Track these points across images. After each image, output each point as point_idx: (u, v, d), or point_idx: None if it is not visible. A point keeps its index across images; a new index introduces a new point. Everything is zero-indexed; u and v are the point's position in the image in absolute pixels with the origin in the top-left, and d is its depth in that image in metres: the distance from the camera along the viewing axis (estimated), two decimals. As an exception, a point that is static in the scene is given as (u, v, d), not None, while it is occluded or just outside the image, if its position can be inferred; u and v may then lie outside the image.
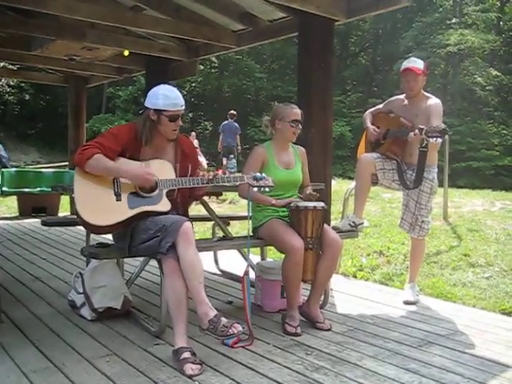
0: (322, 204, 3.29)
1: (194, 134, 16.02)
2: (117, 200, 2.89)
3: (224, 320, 2.61)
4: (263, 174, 3.07)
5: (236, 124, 14.53)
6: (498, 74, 25.87)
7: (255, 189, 3.05)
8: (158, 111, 2.94)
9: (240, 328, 2.62)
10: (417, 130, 3.43)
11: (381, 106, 4.19)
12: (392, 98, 4.13)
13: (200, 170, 3.23)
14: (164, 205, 2.95)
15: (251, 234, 3.51)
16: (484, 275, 4.48)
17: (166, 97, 2.93)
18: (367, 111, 4.20)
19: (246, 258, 4.23)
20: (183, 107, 2.99)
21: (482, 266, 4.66)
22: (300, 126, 3.46)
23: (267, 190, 3.07)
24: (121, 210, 2.88)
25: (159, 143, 3.06)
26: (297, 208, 3.25)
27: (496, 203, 7.07)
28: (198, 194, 3.30)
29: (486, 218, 6.13)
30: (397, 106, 3.99)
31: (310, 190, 3.55)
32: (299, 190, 3.60)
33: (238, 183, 3.13)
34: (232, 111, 14.78)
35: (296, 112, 3.46)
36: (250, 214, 3.33)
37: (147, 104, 2.98)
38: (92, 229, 2.97)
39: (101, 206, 2.87)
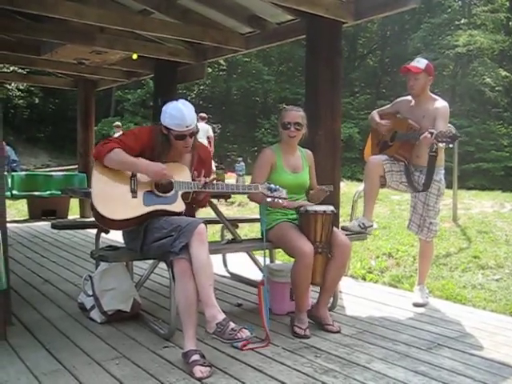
0: (331, 208, 3.28)
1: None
2: (132, 197, 2.93)
3: (232, 324, 2.61)
4: (278, 186, 3.07)
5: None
6: (508, 74, 25.69)
7: (269, 199, 3.05)
8: (167, 128, 2.98)
9: (248, 333, 2.62)
10: (427, 133, 3.42)
11: (388, 106, 4.19)
12: (399, 98, 4.13)
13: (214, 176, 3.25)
14: (178, 206, 2.98)
15: (260, 236, 3.52)
16: (494, 277, 4.45)
17: (171, 116, 2.95)
18: (374, 111, 4.20)
19: (256, 262, 4.24)
20: (190, 127, 2.97)
21: (491, 268, 4.64)
22: (293, 128, 3.43)
23: (280, 201, 3.07)
24: (136, 207, 2.92)
25: (176, 151, 3.08)
26: (306, 212, 3.24)
27: (506, 204, 7.01)
28: (200, 200, 3.22)
29: (496, 220, 6.09)
30: (404, 107, 3.99)
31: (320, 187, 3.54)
32: (307, 192, 3.60)
33: (252, 192, 3.15)
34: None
35: (290, 114, 3.46)
36: (265, 222, 3.33)
37: (160, 118, 3.02)
38: (105, 222, 2.98)
39: (116, 200, 2.91)
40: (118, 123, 14.97)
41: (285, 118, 3.45)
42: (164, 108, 3.01)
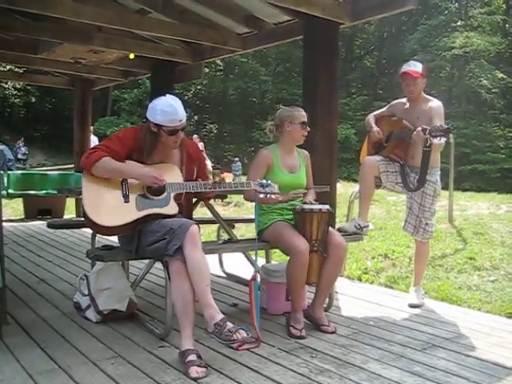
0: (327, 207, 3.29)
1: (195, 136, 15.96)
2: (125, 202, 2.91)
3: (230, 325, 2.61)
4: (269, 181, 3.08)
5: None
6: (504, 76, 25.81)
7: (261, 195, 3.06)
8: (158, 125, 2.95)
9: (244, 334, 2.62)
10: (420, 128, 3.44)
11: (383, 109, 4.21)
12: (394, 101, 4.15)
13: (208, 174, 3.25)
14: (172, 208, 2.97)
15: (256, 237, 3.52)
16: (489, 278, 4.46)
17: (163, 112, 2.92)
18: (370, 114, 4.22)
19: (252, 262, 4.23)
20: (182, 121, 2.97)
21: (487, 270, 4.65)
22: (307, 127, 3.48)
23: (273, 196, 3.08)
24: (129, 212, 2.90)
25: (164, 148, 3.07)
26: (302, 210, 3.26)
27: (502, 206, 7.02)
28: (206, 197, 3.33)
29: (492, 221, 6.10)
30: (399, 109, 4.00)
31: (310, 197, 3.54)
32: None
33: (244, 189, 3.16)
34: None
35: (303, 114, 3.50)
36: (258, 219, 3.34)
37: (148, 116, 2.99)
38: (100, 230, 2.98)
39: (109, 207, 2.89)
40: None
41: (301, 118, 3.46)
42: (152, 105, 2.98)
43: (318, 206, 3.27)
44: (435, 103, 3.79)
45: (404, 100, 3.99)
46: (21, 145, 21.95)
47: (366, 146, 4.19)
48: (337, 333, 3.24)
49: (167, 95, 3.01)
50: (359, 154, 4.28)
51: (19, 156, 21.71)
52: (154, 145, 3.02)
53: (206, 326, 2.66)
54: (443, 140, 3.41)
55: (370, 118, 4.15)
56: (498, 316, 3.74)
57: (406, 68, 3.86)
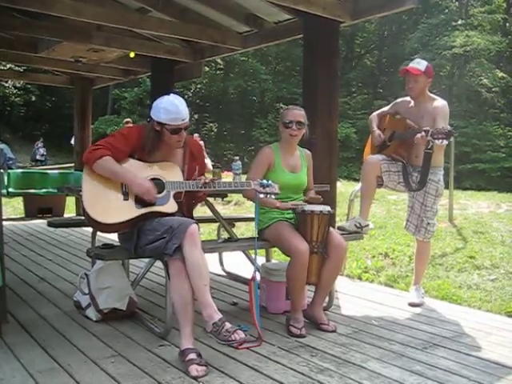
0: (328, 208, 3.28)
1: (196, 135, 15.94)
2: (124, 199, 2.91)
3: (228, 325, 2.61)
4: (270, 181, 3.08)
5: None
6: (504, 75, 25.78)
7: (261, 195, 3.06)
8: (161, 124, 2.96)
9: (242, 335, 2.62)
10: (423, 132, 3.43)
11: (387, 107, 4.19)
12: (398, 99, 4.13)
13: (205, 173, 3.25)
14: (171, 206, 2.97)
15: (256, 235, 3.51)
16: (489, 277, 4.46)
17: (166, 111, 2.92)
18: (373, 113, 4.19)
19: (252, 262, 4.23)
20: (185, 121, 2.97)
21: (487, 269, 4.65)
22: (295, 127, 3.40)
23: (273, 197, 3.08)
24: (128, 210, 2.90)
25: (168, 147, 3.07)
26: (303, 212, 3.25)
27: (502, 205, 7.04)
28: (199, 196, 3.29)
29: (492, 220, 6.10)
30: (403, 108, 3.99)
31: (312, 193, 3.55)
32: (304, 192, 3.60)
33: (244, 188, 3.15)
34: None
35: (292, 113, 3.45)
36: (258, 218, 3.33)
37: (151, 114, 3.00)
38: (98, 226, 2.99)
39: (108, 204, 2.89)
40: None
41: (286, 117, 3.43)
42: (156, 103, 2.98)
43: (318, 208, 3.25)
44: (440, 102, 3.77)
45: (408, 98, 3.96)
46: (39, 146, 21.86)
47: (370, 145, 4.18)
48: (337, 332, 3.24)
49: (171, 94, 3.01)
50: (363, 153, 4.27)
51: (37, 157, 21.63)
52: (157, 143, 3.02)
53: (205, 326, 2.66)
54: (445, 142, 3.41)
55: (373, 117, 4.12)
56: (498, 315, 3.74)
57: (408, 65, 3.86)
